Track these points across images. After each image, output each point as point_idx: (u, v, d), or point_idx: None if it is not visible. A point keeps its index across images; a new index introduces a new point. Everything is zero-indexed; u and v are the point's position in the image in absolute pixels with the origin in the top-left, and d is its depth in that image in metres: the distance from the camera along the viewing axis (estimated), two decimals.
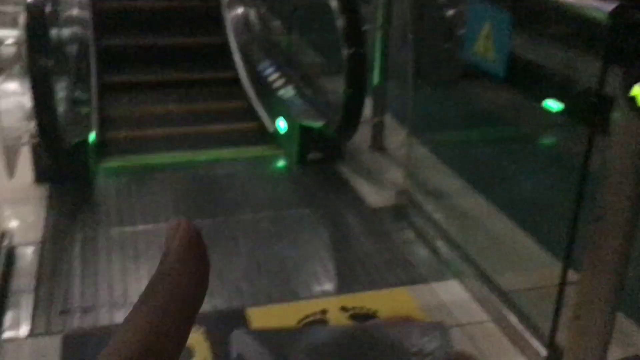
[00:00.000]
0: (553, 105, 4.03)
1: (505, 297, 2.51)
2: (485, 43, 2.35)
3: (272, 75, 4.19)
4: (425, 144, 3.67)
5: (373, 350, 0.30)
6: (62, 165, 3.11)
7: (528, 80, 3.57)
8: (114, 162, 3.65)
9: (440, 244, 2.89)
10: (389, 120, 3.92)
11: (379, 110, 3.84)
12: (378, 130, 3.87)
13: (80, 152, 3.20)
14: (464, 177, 3.43)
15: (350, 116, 3.21)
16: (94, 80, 3.96)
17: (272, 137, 3.99)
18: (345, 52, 3.06)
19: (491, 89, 3.84)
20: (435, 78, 3.98)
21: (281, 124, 3.89)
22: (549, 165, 3.62)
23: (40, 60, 2.59)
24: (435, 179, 3.53)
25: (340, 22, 3.04)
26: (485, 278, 2.63)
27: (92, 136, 3.34)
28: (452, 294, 2.60)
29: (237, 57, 4.53)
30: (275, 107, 4.00)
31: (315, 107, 3.76)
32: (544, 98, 3.51)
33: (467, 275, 2.67)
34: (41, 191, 3.20)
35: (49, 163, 2.97)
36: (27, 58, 2.82)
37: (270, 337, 0.30)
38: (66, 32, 3.85)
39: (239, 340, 0.30)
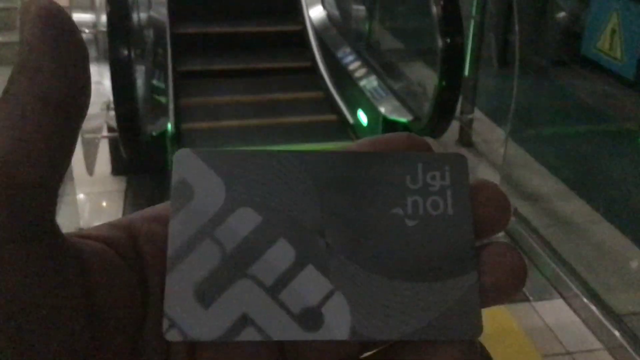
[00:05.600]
0: None
1: (620, 321, 2.26)
2: (612, 39, 2.08)
3: (353, 64, 3.98)
4: (520, 142, 3.40)
5: (362, 183, 0.24)
6: (140, 158, 3.00)
7: None
8: None
9: (540, 255, 2.65)
10: (476, 113, 3.67)
11: (468, 103, 3.59)
12: (467, 125, 3.63)
13: (158, 144, 3.09)
14: (563, 179, 3.15)
15: (444, 111, 2.98)
16: (169, 69, 3.84)
17: (353, 130, 3.79)
18: (440, 42, 2.82)
19: (599, 82, 3.52)
20: (535, 70, 3.69)
21: (363, 117, 3.68)
22: None
23: (121, 51, 2.47)
24: (532, 179, 3.27)
25: (436, 10, 2.80)
26: (595, 298, 2.38)
27: (169, 127, 3.23)
28: (558, 315, 2.36)
29: (314, 45, 4.34)
30: (356, 99, 3.80)
31: (401, 100, 3.54)
32: None
33: (574, 294, 2.42)
34: (119, 184, 3.11)
35: (126, 156, 2.86)
36: (107, 46, 2.71)
37: (223, 159, 0.24)
38: (143, 16, 3.74)
39: (182, 161, 0.23)
